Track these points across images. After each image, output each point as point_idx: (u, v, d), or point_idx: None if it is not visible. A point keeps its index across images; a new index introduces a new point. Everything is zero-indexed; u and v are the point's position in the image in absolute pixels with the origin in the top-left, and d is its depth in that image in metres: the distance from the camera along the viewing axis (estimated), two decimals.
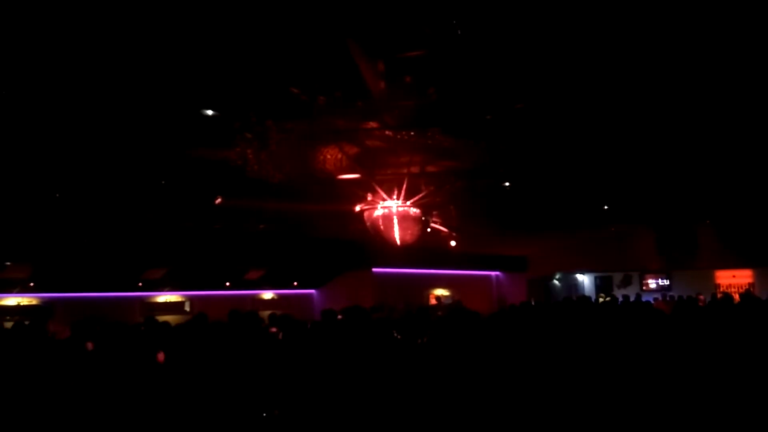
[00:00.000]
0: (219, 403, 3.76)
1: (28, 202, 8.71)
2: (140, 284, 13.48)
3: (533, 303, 15.14)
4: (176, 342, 5.21)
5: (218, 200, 9.45)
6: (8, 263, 11.48)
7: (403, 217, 9.03)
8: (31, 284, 11.94)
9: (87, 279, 12.25)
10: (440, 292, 17.81)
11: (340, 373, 3.90)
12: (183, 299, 14.44)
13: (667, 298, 16.87)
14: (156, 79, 5.42)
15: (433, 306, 14.58)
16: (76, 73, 5.16)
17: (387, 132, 6.98)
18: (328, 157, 7.85)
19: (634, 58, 5.39)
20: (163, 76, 5.35)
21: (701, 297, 13.29)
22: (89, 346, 4.89)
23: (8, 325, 7.98)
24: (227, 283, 14.90)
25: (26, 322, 6.35)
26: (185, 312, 13.94)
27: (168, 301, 14.22)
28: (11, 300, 11.99)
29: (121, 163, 7.59)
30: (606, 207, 12.52)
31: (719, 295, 13.47)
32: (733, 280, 17.58)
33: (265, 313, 10.19)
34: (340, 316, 6.09)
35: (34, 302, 12.19)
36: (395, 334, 5.66)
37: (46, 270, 11.81)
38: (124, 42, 4.69)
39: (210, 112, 6.21)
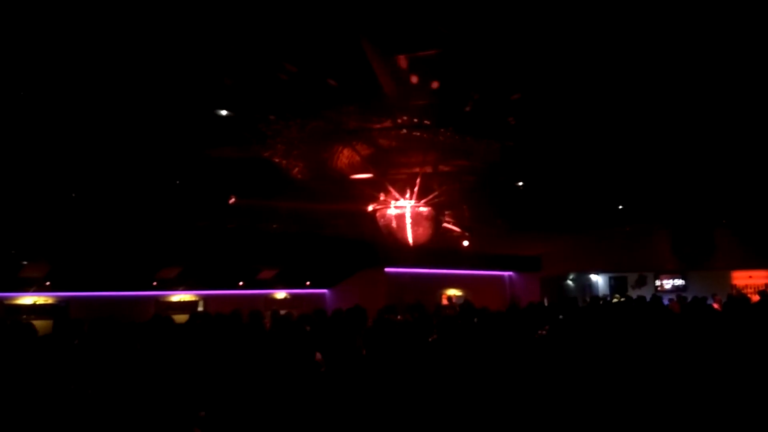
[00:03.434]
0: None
1: (45, 202, 8.81)
2: (155, 283, 13.58)
3: (546, 303, 15.08)
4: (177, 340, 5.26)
5: (232, 200, 9.50)
6: (25, 262, 11.61)
7: (416, 217, 9.03)
8: (48, 283, 12.07)
9: (102, 278, 12.36)
10: (453, 292, 17.77)
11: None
12: (197, 298, 14.53)
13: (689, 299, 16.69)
14: (170, 79, 5.46)
15: (441, 306, 14.52)
16: (92, 74, 5.21)
17: (400, 131, 6.98)
18: (342, 156, 7.86)
19: (651, 57, 5.36)
20: (177, 75, 5.39)
21: (717, 298, 13.15)
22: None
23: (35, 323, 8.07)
24: (240, 283, 14.98)
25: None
26: (199, 311, 14.03)
27: (182, 300, 14.32)
28: (28, 299, 12.12)
29: (135, 163, 7.65)
30: (620, 207, 12.44)
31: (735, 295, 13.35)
32: (750, 280, 17.38)
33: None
34: None
35: (50, 301, 12.31)
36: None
37: (62, 269, 11.93)
38: (138, 41, 4.73)
39: (224, 112, 6.25)
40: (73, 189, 8.49)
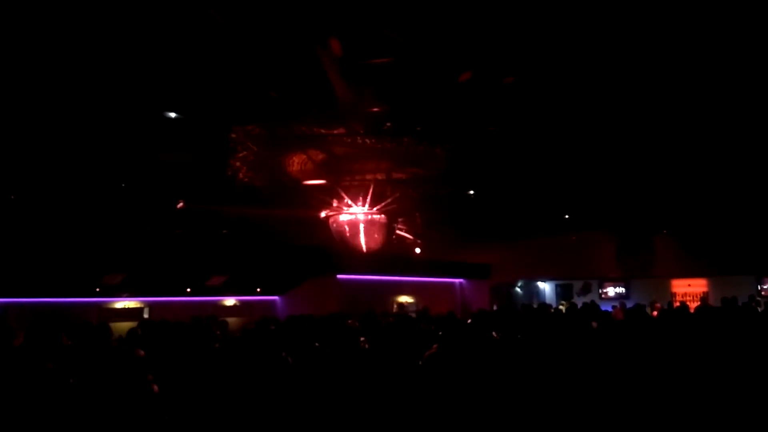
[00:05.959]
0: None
1: None
2: (98, 290, 13.12)
3: (495, 309, 15.27)
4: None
5: (180, 204, 9.29)
6: None
7: (369, 224, 9.03)
8: None
9: (42, 284, 11.86)
10: (404, 299, 17.81)
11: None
12: (142, 305, 14.09)
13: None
14: (118, 82, 5.32)
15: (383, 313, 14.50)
16: (37, 74, 5.02)
17: (354, 138, 6.98)
18: (295, 162, 7.81)
19: (594, 69, 5.51)
20: (125, 78, 5.25)
21: (657, 305, 13.59)
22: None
23: None
24: (188, 289, 14.62)
25: None
26: (144, 319, 13.61)
27: (126, 307, 13.86)
28: None
29: (80, 165, 7.41)
30: (567, 216, 12.76)
31: (676, 304, 13.85)
32: (689, 288, 18.07)
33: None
34: None
35: None
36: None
37: None
38: (85, 46, 4.59)
39: (173, 115, 6.12)
40: (13, 191, 8.15)
